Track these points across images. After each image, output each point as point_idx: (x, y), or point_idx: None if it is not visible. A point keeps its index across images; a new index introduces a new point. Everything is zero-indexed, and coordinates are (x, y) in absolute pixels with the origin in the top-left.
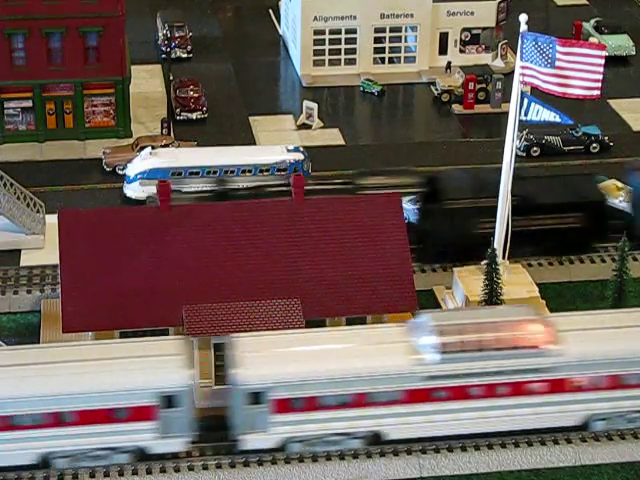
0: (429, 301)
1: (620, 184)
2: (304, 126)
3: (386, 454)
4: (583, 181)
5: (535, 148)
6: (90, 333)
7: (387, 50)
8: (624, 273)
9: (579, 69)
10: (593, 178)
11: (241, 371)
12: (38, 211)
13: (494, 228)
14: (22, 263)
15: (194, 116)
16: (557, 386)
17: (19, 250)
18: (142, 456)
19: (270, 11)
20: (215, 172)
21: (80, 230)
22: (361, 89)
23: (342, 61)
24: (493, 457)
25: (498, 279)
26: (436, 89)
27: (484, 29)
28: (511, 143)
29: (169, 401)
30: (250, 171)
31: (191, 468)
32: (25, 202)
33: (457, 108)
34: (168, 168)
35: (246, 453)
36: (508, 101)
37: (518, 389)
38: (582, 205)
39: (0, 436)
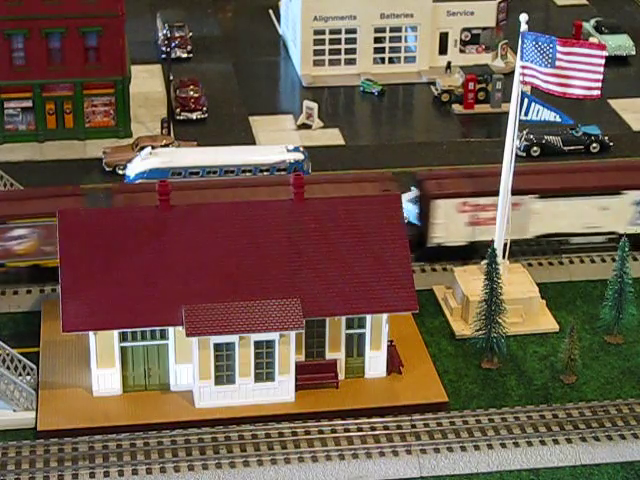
0: (429, 301)
1: None
2: (304, 126)
3: (386, 454)
4: None
5: (535, 148)
6: None
7: (387, 50)
8: (624, 273)
9: (579, 69)
10: None
11: None
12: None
13: None
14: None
15: (194, 116)
16: None
17: None
18: None
19: (270, 11)
20: (215, 172)
21: (80, 230)
22: (361, 89)
23: (342, 61)
24: (493, 457)
25: (498, 279)
26: (436, 89)
27: (484, 29)
28: (511, 143)
29: None
30: (250, 171)
31: (191, 468)
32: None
33: (457, 108)
34: (168, 168)
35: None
36: (508, 101)
37: None
38: None
39: None
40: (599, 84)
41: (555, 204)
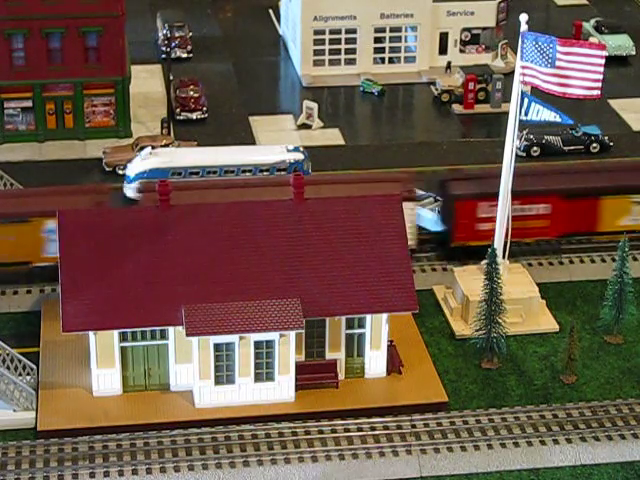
0: (429, 301)
1: None
2: (304, 126)
3: (386, 454)
4: None
5: (535, 148)
6: None
7: (387, 50)
8: (624, 273)
9: (579, 69)
10: None
11: None
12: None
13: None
14: None
15: (194, 116)
16: None
17: None
18: None
19: (270, 11)
20: (215, 172)
21: (80, 230)
22: (361, 89)
23: (342, 61)
24: (493, 457)
25: (498, 279)
26: (436, 89)
27: (484, 29)
28: (511, 143)
29: None
30: (250, 171)
31: (191, 468)
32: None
33: (457, 108)
34: (168, 168)
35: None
36: (508, 101)
37: None
38: None
39: None
40: (599, 84)
41: None
